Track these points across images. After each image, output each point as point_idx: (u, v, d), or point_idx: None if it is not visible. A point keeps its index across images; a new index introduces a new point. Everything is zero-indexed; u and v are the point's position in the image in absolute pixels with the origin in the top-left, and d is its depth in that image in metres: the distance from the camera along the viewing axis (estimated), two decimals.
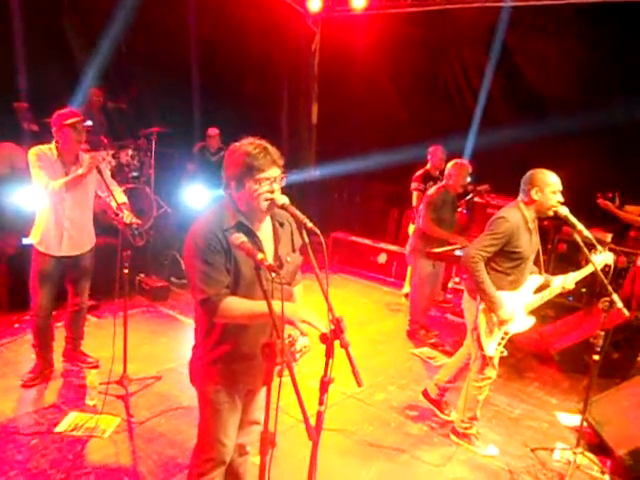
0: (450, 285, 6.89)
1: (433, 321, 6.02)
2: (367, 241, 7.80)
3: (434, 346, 5.44)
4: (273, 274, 2.06)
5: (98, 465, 3.20)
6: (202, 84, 7.88)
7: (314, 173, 9.58)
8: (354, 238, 7.91)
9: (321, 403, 2.19)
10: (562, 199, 3.41)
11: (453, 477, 3.46)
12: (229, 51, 8.03)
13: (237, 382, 2.41)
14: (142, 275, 6.01)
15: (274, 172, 2.25)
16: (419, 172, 5.97)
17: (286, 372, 1.94)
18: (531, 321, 3.59)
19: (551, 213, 3.44)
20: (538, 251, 3.59)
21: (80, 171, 3.76)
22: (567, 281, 3.54)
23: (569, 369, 5.07)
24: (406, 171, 8.20)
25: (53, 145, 3.84)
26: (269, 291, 2.00)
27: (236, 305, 2.19)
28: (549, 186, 3.37)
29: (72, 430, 3.48)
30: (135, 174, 6.58)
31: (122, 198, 3.99)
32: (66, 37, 6.25)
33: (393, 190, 8.60)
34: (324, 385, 2.17)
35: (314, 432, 1.91)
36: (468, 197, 6.38)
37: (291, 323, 2.13)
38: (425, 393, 4.18)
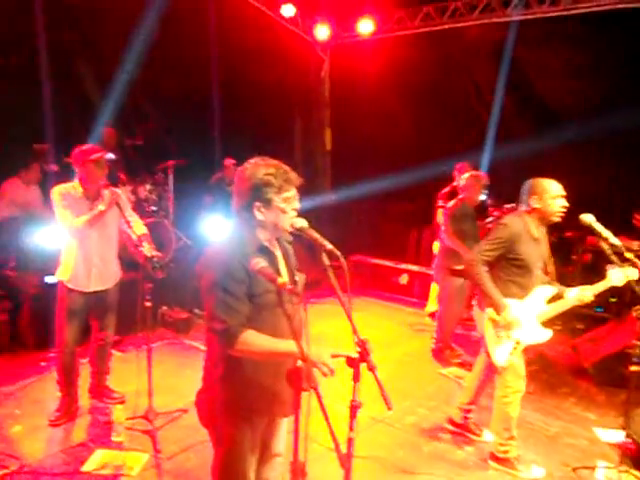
0: (474, 302, 6.74)
1: (459, 339, 5.90)
2: (387, 262, 7.74)
3: (462, 365, 5.31)
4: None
5: None
6: (216, 115, 8.00)
7: (331, 197, 9.60)
8: (374, 260, 7.86)
9: (351, 429, 2.13)
10: (566, 204, 3.38)
11: None
12: (242, 83, 8.18)
13: (261, 414, 2.32)
14: (164, 307, 6.01)
15: (294, 191, 2.24)
16: (445, 189, 5.93)
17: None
18: (547, 334, 3.52)
19: (556, 219, 3.42)
20: (545, 261, 3.54)
21: (101, 207, 3.79)
22: (586, 294, 3.44)
23: (605, 382, 4.91)
24: (422, 190, 8.21)
25: (76, 182, 3.89)
26: (292, 315, 1.96)
27: (257, 340, 2.12)
28: (547, 192, 3.38)
29: (100, 469, 3.43)
30: (154, 208, 6.65)
31: (142, 230, 4.01)
32: (82, 78, 6.40)
33: (410, 210, 8.59)
34: (353, 410, 2.12)
35: (346, 459, 1.84)
36: (489, 220, 6.29)
37: (316, 366, 2.06)
38: (451, 421, 4.07)
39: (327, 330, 5.61)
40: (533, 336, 3.50)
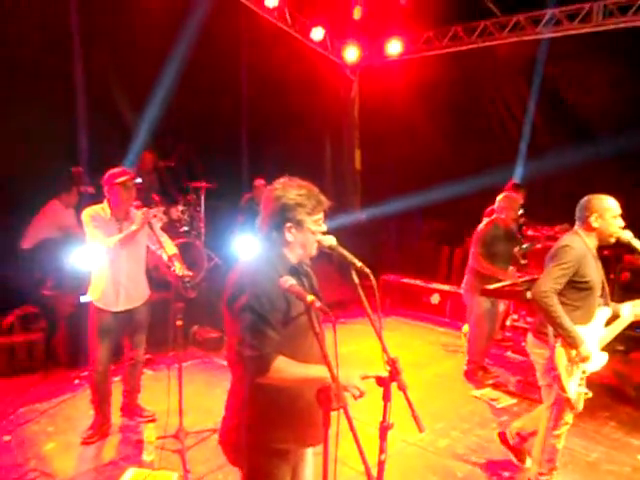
0: (508, 323, 6.62)
1: (493, 360, 5.77)
2: (418, 282, 7.64)
3: (496, 387, 5.19)
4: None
5: None
6: (247, 136, 8.13)
7: (361, 217, 9.60)
8: (405, 280, 7.77)
9: (382, 451, 2.09)
10: (623, 223, 3.24)
11: None
12: (273, 104, 8.28)
13: (295, 446, 2.25)
14: (196, 327, 6.05)
15: (322, 214, 2.23)
16: (491, 207, 5.83)
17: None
18: (605, 357, 3.33)
19: (613, 240, 3.26)
20: (603, 281, 3.38)
21: (133, 227, 3.86)
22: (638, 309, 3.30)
23: None
24: (453, 208, 8.15)
25: (105, 204, 3.98)
26: (322, 337, 1.93)
27: (289, 367, 2.06)
28: (609, 211, 3.19)
29: None
30: (186, 229, 6.74)
31: (173, 250, 4.06)
32: (116, 101, 6.59)
33: (442, 228, 8.50)
34: (383, 431, 2.07)
35: (372, 474, 1.79)
36: (525, 247, 6.13)
37: (347, 390, 2.03)
38: (503, 438, 3.85)
39: (357, 349, 5.54)
40: (596, 363, 3.28)
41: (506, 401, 4.92)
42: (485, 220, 5.37)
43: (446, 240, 8.38)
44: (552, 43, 7.50)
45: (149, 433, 3.86)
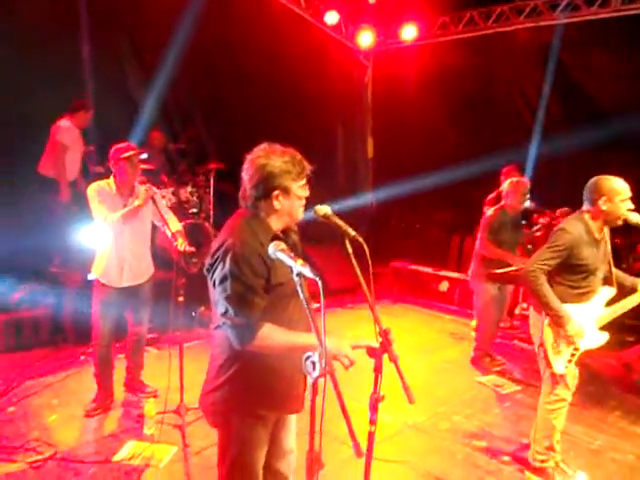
0: (517, 311, 6.54)
1: (500, 348, 5.71)
2: (427, 269, 7.59)
3: (501, 374, 5.14)
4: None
5: None
6: (258, 119, 8.09)
7: (372, 203, 9.55)
8: (414, 267, 7.72)
9: (372, 422, 2.07)
10: (632, 206, 3.18)
11: None
12: (285, 89, 8.21)
13: (273, 412, 2.26)
14: (202, 308, 6.06)
15: (305, 179, 2.21)
16: (491, 195, 5.78)
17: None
18: (604, 337, 3.30)
19: (620, 222, 3.21)
20: (609, 262, 3.33)
21: (136, 202, 3.86)
22: None
23: None
24: (464, 197, 8.05)
25: (111, 180, 3.99)
26: (309, 299, 1.91)
27: (276, 334, 2.06)
28: (619, 194, 3.13)
29: (130, 459, 3.47)
30: (194, 210, 6.75)
31: (176, 226, 4.06)
32: (127, 81, 6.59)
33: (453, 216, 8.41)
34: (374, 403, 2.05)
35: (361, 449, 1.77)
36: (536, 228, 6.07)
37: (336, 358, 2.02)
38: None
39: (363, 334, 5.48)
40: (591, 341, 3.28)
41: (511, 388, 4.88)
42: (487, 208, 5.31)
43: (457, 228, 8.30)
44: (569, 30, 7.34)
45: (150, 408, 3.88)
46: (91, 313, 4.12)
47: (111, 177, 4.01)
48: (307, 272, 1.80)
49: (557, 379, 3.29)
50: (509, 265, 4.90)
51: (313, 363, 1.78)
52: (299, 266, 1.82)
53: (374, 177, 9.99)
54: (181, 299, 3.86)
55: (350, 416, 1.79)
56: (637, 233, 5.76)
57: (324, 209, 2.19)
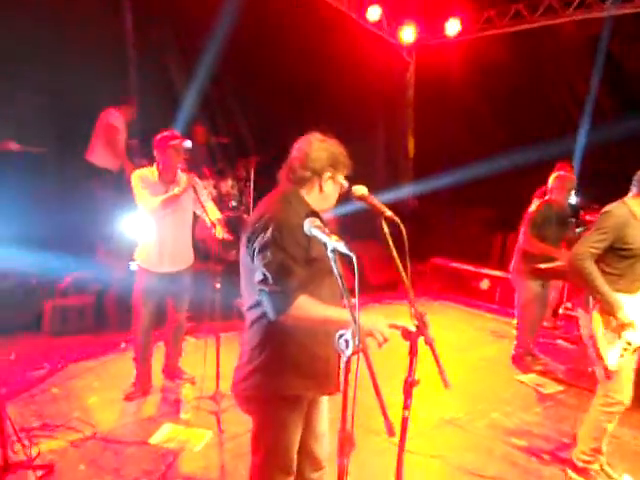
0: (561, 311, 6.34)
1: (543, 348, 5.54)
2: (468, 267, 7.45)
3: (543, 373, 4.99)
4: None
5: (188, 477, 3.20)
6: (299, 116, 8.11)
7: (412, 200, 9.45)
8: (454, 264, 7.59)
9: (406, 407, 2.02)
10: None
11: None
12: (327, 85, 8.22)
13: (311, 389, 2.23)
14: (239, 299, 6.11)
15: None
16: (540, 189, 5.59)
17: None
18: None
19: None
20: None
21: (176, 190, 3.92)
22: None
23: None
24: (507, 194, 7.86)
25: (154, 167, 4.06)
26: (343, 276, 1.87)
27: (312, 306, 2.04)
28: None
29: (166, 442, 3.52)
30: (234, 203, 6.82)
31: (216, 215, 4.10)
32: (170, 75, 6.72)
33: (496, 213, 8.23)
34: (408, 387, 2.01)
35: (393, 427, 1.73)
36: (579, 231, 5.85)
37: (371, 335, 1.99)
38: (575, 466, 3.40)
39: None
40: None
41: (553, 388, 4.73)
42: (536, 200, 5.14)
43: (500, 225, 8.11)
44: (618, 23, 7.08)
45: (187, 393, 3.95)
46: (132, 300, 4.21)
47: (154, 165, 4.08)
48: (342, 248, 1.78)
49: (609, 374, 3.12)
50: (553, 260, 4.75)
51: (346, 341, 1.76)
52: (334, 242, 1.80)
53: (415, 173, 9.87)
54: (218, 286, 3.89)
55: (383, 395, 1.75)
56: None
57: (361, 189, 2.17)
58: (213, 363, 3.95)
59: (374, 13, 8.56)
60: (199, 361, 4.39)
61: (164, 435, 3.60)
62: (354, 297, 1.78)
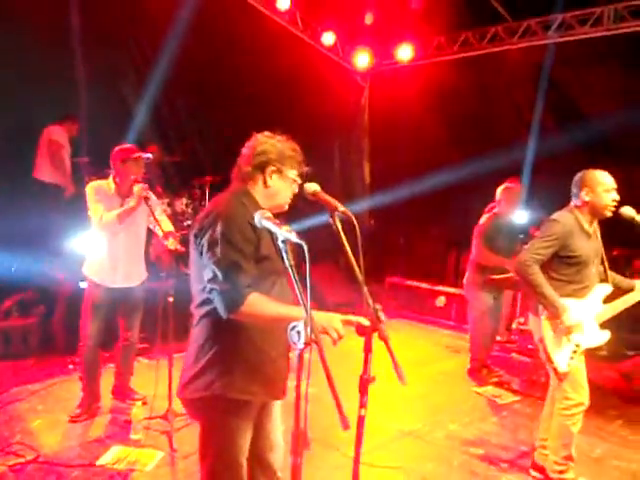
0: (514, 326, 6.44)
1: (497, 361, 5.60)
2: (424, 285, 7.53)
3: (499, 384, 5.03)
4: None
5: None
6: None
7: (370, 222, 9.54)
8: (410, 282, 7.66)
9: (362, 405, 1.98)
10: (618, 197, 3.16)
11: None
12: (282, 108, 8.25)
13: (258, 393, 2.15)
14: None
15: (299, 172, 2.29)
16: (491, 206, 5.74)
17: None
18: (605, 335, 3.24)
19: (608, 214, 3.19)
20: (603, 258, 3.29)
21: (131, 203, 3.82)
22: None
23: None
24: (460, 215, 8.03)
25: (110, 180, 3.97)
26: (294, 266, 1.84)
27: (264, 303, 1.99)
28: (600, 185, 3.16)
29: (114, 463, 3.35)
30: (189, 222, 6.71)
31: (169, 227, 4.01)
32: (122, 95, 6.64)
33: (449, 232, 8.37)
34: (364, 384, 1.97)
35: (348, 421, 1.68)
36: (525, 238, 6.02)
37: (325, 332, 1.94)
38: (534, 466, 3.48)
39: (357, 345, 5.43)
40: (592, 339, 3.21)
41: (508, 398, 4.77)
42: (486, 215, 5.27)
43: (454, 243, 8.26)
44: (561, 50, 7.45)
45: (137, 412, 3.76)
46: (81, 315, 4.04)
47: (110, 177, 3.99)
48: (293, 237, 1.76)
49: (560, 376, 3.18)
50: (505, 272, 4.84)
51: (298, 332, 1.71)
52: (284, 232, 1.77)
53: (372, 194, 9.99)
54: (171, 299, 3.77)
55: (337, 389, 1.70)
56: (634, 246, 5.74)
57: (313, 186, 2.16)
58: (165, 382, 3.81)
59: (328, 39, 8.74)
60: (151, 381, 4.22)
61: (112, 456, 3.42)
62: (306, 288, 1.75)
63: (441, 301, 7.23)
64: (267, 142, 2.22)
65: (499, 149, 7.94)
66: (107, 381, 4.28)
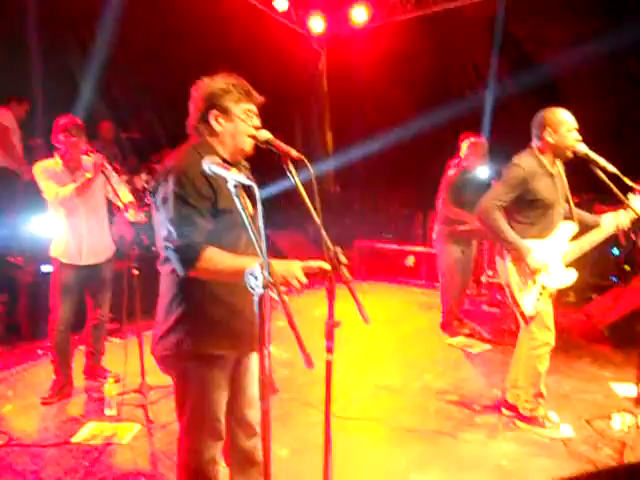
0: (484, 280, 6.55)
1: (468, 314, 5.69)
2: (392, 246, 7.57)
3: (470, 335, 5.14)
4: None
5: (115, 469, 3.02)
6: None
7: (335, 189, 9.51)
8: (379, 245, 7.70)
9: (329, 351, 1.97)
10: (579, 137, 3.17)
11: (501, 454, 3.13)
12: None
13: (230, 347, 2.12)
14: None
15: (254, 107, 2.16)
16: (454, 160, 5.73)
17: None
18: (572, 275, 3.26)
19: (570, 154, 3.20)
20: (567, 198, 3.32)
21: (88, 175, 3.70)
22: (621, 218, 3.22)
23: (621, 343, 4.66)
24: (424, 175, 8.07)
25: (56, 157, 3.83)
26: (250, 215, 1.79)
27: (221, 257, 1.94)
28: (563, 124, 3.13)
29: (90, 439, 3.31)
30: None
31: (128, 198, 3.93)
32: (74, 73, 6.41)
33: (415, 194, 8.42)
34: (329, 329, 1.96)
35: (311, 359, 1.66)
36: None
37: (286, 282, 1.90)
38: (507, 405, 3.56)
39: (325, 314, 5.45)
40: (559, 279, 3.24)
41: (480, 347, 4.88)
42: (453, 168, 5.28)
43: (419, 206, 8.31)
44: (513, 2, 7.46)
45: (110, 389, 3.71)
46: (48, 308, 3.93)
47: (55, 155, 3.85)
48: (242, 179, 1.71)
49: (526, 319, 3.23)
50: (470, 225, 4.88)
51: (255, 277, 1.68)
52: (234, 174, 1.72)
53: (334, 160, 9.95)
54: (136, 272, 3.70)
55: (299, 330, 1.69)
56: (597, 191, 5.82)
57: (265, 134, 2.11)
58: (137, 359, 3.76)
59: (281, 3, 8.55)
60: (122, 359, 4.17)
61: (88, 433, 3.37)
62: (260, 230, 1.71)
63: (411, 261, 7.29)
64: (207, 84, 2.11)
65: (456, 105, 8.00)
66: (79, 362, 4.20)
